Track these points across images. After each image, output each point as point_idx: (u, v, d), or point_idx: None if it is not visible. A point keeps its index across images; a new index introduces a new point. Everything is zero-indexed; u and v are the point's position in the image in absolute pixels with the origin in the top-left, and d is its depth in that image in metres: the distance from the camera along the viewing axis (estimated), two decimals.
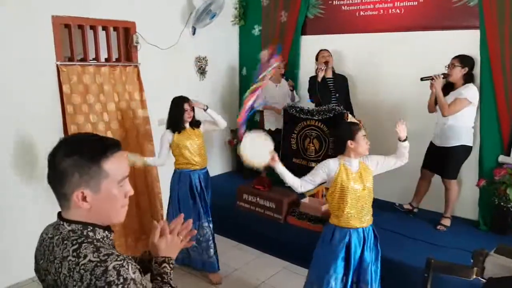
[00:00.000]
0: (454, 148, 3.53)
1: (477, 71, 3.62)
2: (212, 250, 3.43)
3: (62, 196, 1.07)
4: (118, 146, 1.10)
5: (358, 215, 2.49)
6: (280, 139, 4.38)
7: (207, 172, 3.51)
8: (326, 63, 4.03)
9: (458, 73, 3.46)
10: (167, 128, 3.33)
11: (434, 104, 3.61)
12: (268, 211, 3.93)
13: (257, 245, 3.98)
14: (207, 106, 3.46)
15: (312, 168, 3.66)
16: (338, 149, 2.58)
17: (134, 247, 3.89)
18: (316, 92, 4.00)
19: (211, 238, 3.42)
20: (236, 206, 4.16)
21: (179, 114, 3.27)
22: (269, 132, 4.61)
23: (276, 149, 4.45)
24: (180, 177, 3.37)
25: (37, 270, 1.15)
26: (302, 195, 3.91)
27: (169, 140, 3.30)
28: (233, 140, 5.33)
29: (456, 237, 3.49)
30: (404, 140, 2.56)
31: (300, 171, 3.80)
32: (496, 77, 3.55)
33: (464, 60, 3.47)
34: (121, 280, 0.96)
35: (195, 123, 3.39)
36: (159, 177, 4.12)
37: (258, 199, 3.98)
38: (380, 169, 2.61)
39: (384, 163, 2.60)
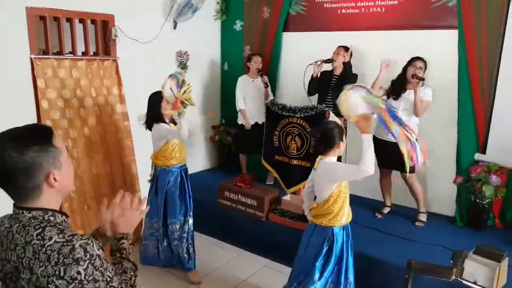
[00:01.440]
0: None
1: (454, 71, 3.69)
2: (192, 248, 3.42)
3: (30, 189, 1.10)
4: (51, 127, 1.19)
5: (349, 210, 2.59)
6: (254, 134, 4.38)
7: (186, 169, 3.49)
8: (330, 60, 3.95)
9: (422, 74, 3.54)
10: (154, 122, 3.25)
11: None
12: (249, 208, 3.91)
13: (238, 243, 3.96)
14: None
15: (294, 165, 3.72)
16: (325, 147, 2.52)
17: None
18: (312, 85, 4.00)
19: (191, 235, 3.43)
20: (217, 203, 4.13)
21: (158, 110, 3.24)
22: (242, 127, 4.60)
23: (249, 146, 4.51)
24: (170, 173, 3.34)
25: None
26: (284, 192, 3.91)
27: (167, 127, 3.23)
28: (215, 136, 5.29)
29: (433, 233, 3.56)
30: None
31: (282, 169, 3.85)
32: (473, 77, 3.63)
33: (426, 65, 3.58)
34: (88, 256, 1.04)
35: (174, 120, 3.36)
36: (138, 176, 4.04)
37: (239, 196, 3.96)
38: None
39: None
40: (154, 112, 3.27)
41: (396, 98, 3.64)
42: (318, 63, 3.92)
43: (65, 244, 1.04)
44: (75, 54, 3.66)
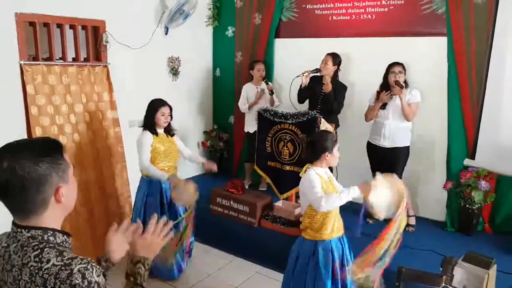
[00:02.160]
0: (404, 148, 3.67)
1: (443, 77, 3.73)
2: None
3: (38, 204, 1.05)
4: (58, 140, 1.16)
5: (338, 223, 2.52)
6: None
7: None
8: (317, 70, 3.95)
9: (403, 79, 3.58)
10: (144, 129, 3.25)
11: (377, 111, 3.68)
12: (241, 214, 3.90)
13: (230, 249, 3.95)
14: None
15: (286, 171, 3.72)
16: (311, 156, 2.51)
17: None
18: (300, 95, 4.03)
19: None
20: (210, 209, 4.11)
21: (152, 116, 3.21)
22: (248, 134, 4.60)
23: (253, 151, 4.49)
24: (150, 185, 3.30)
25: None
26: (277, 198, 3.92)
27: (150, 142, 3.21)
28: (206, 142, 5.28)
29: (424, 238, 3.58)
30: None
31: (275, 174, 3.85)
32: (462, 83, 3.68)
33: (405, 67, 3.62)
34: (86, 283, 0.98)
35: (169, 131, 3.34)
36: (129, 181, 4.02)
37: (231, 202, 3.95)
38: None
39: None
40: (148, 119, 3.24)
41: (383, 107, 3.67)
42: (305, 74, 3.93)
43: (63, 268, 0.98)
44: (66, 60, 3.63)
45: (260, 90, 4.48)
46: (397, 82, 3.52)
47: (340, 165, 4.13)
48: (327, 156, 2.44)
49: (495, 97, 3.54)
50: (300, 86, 4.00)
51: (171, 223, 1.34)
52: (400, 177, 3.71)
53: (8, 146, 1.07)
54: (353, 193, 2.34)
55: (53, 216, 1.10)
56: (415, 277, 1.77)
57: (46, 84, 3.40)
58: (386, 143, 3.69)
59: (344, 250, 2.53)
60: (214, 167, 3.49)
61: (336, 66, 4.00)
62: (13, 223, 1.09)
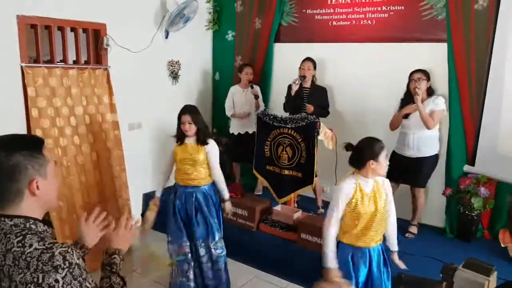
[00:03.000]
0: (430, 158, 3.65)
1: (444, 83, 3.74)
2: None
3: (14, 193, 1.12)
4: (42, 138, 1.24)
5: (368, 235, 2.35)
6: (246, 143, 4.39)
7: (204, 192, 3.15)
8: (303, 77, 4.04)
9: (425, 86, 3.56)
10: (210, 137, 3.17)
11: (400, 120, 3.67)
12: (240, 218, 3.89)
13: (229, 253, 3.89)
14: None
15: (285, 175, 3.71)
16: (356, 163, 2.36)
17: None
18: (287, 103, 4.08)
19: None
20: None
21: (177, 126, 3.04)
22: (234, 136, 4.60)
23: (242, 154, 4.49)
24: (176, 192, 3.15)
25: None
26: (275, 202, 3.91)
27: (172, 151, 3.11)
28: None
29: (424, 244, 3.57)
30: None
31: (273, 179, 3.84)
32: (462, 89, 3.68)
33: (427, 74, 3.60)
34: (67, 264, 1.04)
35: (202, 140, 3.06)
36: (128, 183, 4.01)
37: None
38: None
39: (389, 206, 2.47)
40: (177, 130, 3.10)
41: (406, 117, 3.63)
42: (297, 82, 3.98)
43: (44, 251, 1.04)
44: (66, 63, 3.64)
45: (254, 96, 4.43)
46: (414, 90, 3.50)
47: (340, 172, 4.17)
48: (372, 164, 2.28)
49: (495, 103, 3.54)
50: (290, 94, 4.03)
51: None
52: (424, 187, 3.71)
53: (4, 137, 1.16)
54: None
55: (30, 208, 1.14)
56: (415, 284, 1.77)
57: (47, 86, 3.40)
58: (410, 152, 3.66)
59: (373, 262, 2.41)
60: (228, 210, 3.28)
61: (315, 71, 4.16)
62: None
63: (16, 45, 3.23)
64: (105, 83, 3.87)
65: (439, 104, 3.54)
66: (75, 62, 3.76)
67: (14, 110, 3.27)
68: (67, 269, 1.04)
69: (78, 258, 1.07)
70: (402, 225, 3.85)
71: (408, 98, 3.63)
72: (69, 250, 1.06)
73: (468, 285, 1.59)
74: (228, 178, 4.98)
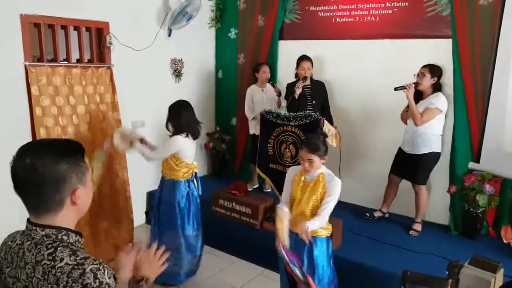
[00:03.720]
0: (425, 155, 3.62)
1: (449, 80, 3.71)
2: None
3: (55, 202, 1.07)
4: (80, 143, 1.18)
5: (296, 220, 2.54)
6: None
7: (171, 182, 3.33)
8: (305, 78, 4.03)
9: (428, 82, 3.54)
10: (181, 132, 3.13)
11: (408, 115, 3.66)
12: (244, 216, 3.89)
13: (233, 250, 3.94)
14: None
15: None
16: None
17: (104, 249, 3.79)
18: (292, 105, 4.04)
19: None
20: (212, 211, 4.10)
21: (194, 117, 3.20)
22: (253, 137, 4.59)
23: (255, 153, 4.48)
24: (188, 186, 3.32)
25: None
26: (279, 200, 3.90)
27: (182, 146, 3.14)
28: (209, 144, 5.27)
29: (428, 242, 3.56)
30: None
31: (277, 177, 3.83)
32: (467, 86, 3.65)
33: (433, 70, 3.55)
34: (97, 283, 0.99)
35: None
36: (129, 181, 4.02)
37: (234, 204, 3.94)
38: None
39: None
40: (190, 121, 3.24)
41: (407, 109, 3.63)
42: (300, 86, 3.98)
43: (75, 267, 1.00)
44: (70, 61, 3.64)
45: (277, 93, 4.42)
46: (415, 84, 3.50)
47: (344, 170, 4.16)
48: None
49: (500, 99, 3.52)
50: (294, 97, 4.01)
51: (167, 254, 1.43)
52: (423, 184, 3.70)
53: (32, 143, 1.12)
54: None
55: (67, 217, 1.11)
56: (420, 281, 1.76)
57: (50, 85, 3.41)
58: (406, 148, 3.69)
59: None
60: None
61: (312, 68, 4.16)
62: (28, 220, 1.11)
63: (19, 44, 3.23)
64: (108, 82, 3.87)
65: (433, 103, 3.50)
66: (78, 61, 3.76)
67: (18, 109, 3.28)
68: None
69: (109, 277, 1.03)
70: (406, 223, 3.85)
71: (416, 91, 3.59)
72: (101, 267, 1.02)
73: (474, 283, 1.58)
74: (236, 176, 5.03)
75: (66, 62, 3.62)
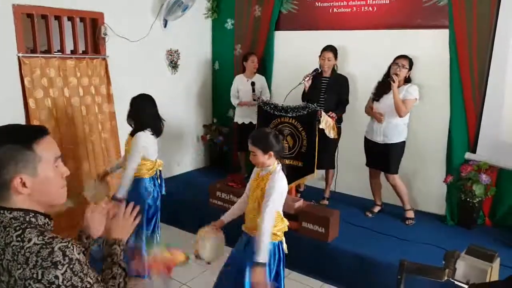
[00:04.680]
0: (398, 144, 3.65)
1: (446, 70, 3.71)
2: None
3: (0, 186, 1.08)
4: (45, 131, 1.15)
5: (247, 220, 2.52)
6: (249, 133, 4.34)
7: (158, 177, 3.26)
8: (316, 70, 3.92)
9: (404, 73, 3.53)
10: (144, 128, 2.95)
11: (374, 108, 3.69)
12: None
13: (229, 243, 3.89)
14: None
15: (286, 165, 3.67)
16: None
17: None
18: (304, 96, 3.98)
19: None
20: (209, 203, 4.10)
21: (157, 113, 2.99)
22: (239, 125, 4.58)
23: (245, 143, 4.46)
24: (154, 183, 3.15)
25: None
26: None
27: (146, 144, 2.94)
28: (206, 136, 5.26)
29: (424, 232, 3.58)
30: None
31: None
32: (463, 76, 3.65)
33: (411, 62, 3.57)
34: (67, 260, 1.01)
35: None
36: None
37: (231, 196, 3.94)
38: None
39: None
40: (152, 116, 3.07)
41: (377, 100, 3.64)
42: (306, 79, 3.89)
43: (44, 246, 1.01)
44: (64, 53, 3.60)
45: (254, 95, 4.37)
46: (393, 76, 3.47)
47: (342, 161, 4.16)
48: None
49: (497, 90, 3.52)
50: (304, 90, 3.96)
51: (137, 208, 1.43)
52: (395, 173, 3.70)
53: (0, 127, 1.13)
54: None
55: (24, 203, 1.10)
56: (417, 270, 1.76)
57: (44, 77, 3.37)
58: (378, 138, 3.68)
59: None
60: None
61: (336, 61, 3.99)
62: None
63: (12, 35, 3.19)
64: (102, 73, 3.83)
65: (412, 93, 3.51)
66: (72, 52, 3.72)
67: (12, 101, 3.25)
68: (67, 265, 1.01)
69: (78, 253, 1.04)
70: (402, 213, 3.87)
71: (386, 81, 3.59)
72: (69, 245, 1.03)
73: (471, 272, 1.58)
74: (233, 167, 5.03)
75: (60, 53, 3.58)
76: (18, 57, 3.21)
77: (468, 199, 3.60)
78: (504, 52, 3.44)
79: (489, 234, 3.52)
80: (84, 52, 3.80)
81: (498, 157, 3.53)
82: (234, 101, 4.56)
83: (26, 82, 3.24)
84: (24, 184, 1.08)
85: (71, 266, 1.01)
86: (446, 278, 1.68)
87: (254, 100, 4.30)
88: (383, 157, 3.68)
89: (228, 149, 5.25)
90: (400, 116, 3.52)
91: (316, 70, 3.93)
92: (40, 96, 3.34)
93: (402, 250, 3.21)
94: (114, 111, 3.90)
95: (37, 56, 3.33)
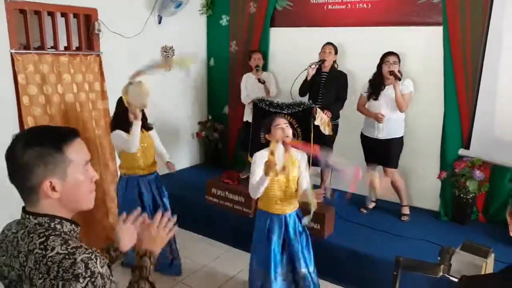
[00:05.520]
0: (399, 139, 3.70)
1: (439, 67, 3.72)
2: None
3: (29, 190, 1.04)
4: (75, 133, 1.11)
5: (280, 202, 2.61)
6: None
7: (157, 176, 3.27)
8: (322, 61, 3.93)
9: (397, 69, 3.55)
10: (114, 128, 2.97)
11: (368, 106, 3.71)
12: (237, 205, 3.89)
13: (226, 239, 3.95)
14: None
15: None
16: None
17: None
18: (303, 88, 3.98)
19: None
20: (205, 200, 4.10)
21: (123, 114, 2.95)
22: (247, 124, 4.57)
23: (247, 141, 4.46)
24: (127, 183, 3.11)
25: None
26: None
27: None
28: (201, 132, 5.25)
29: (419, 228, 3.61)
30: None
31: None
32: (457, 73, 3.67)
33: (399, 58, 3.59)
34: (89, 273, 0.96)
35: (146, 126, 3.11)
36: (117, 172, 3.97)
37: (227, 193, 3.94)
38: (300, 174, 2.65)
39: (302, 177, 2.64)
40: (118, 116, 3.04)
41: (376, 98, 3.65)
42: (313, 66, 3.87)
43: (66, 257, 0.97)
44: (57, 49, 3.57)
45: (263, 87, 4.35)
46: (392, 73, 3.50)
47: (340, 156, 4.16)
48: (268, 137, 2.59)
49: (490, 86, 3.55)
50: (306, 78, 3.96)
51: (175, 218, 1.35)
52: (396, 167, 3.74)
53: (26, 130, 1.13)
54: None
55: (51, 207, 1.06)
56: (413, 266, 1.78)
57: (37, 73, 3.34)
58: (380, 135, 3.68)
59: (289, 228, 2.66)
60: (173, 169, 3.34)
61: (336, 56, 4.01)
62: (23, 209, 1.09)
63: (5, 31, 3.15)
64: (96, 70, 3.80)
65: (408, 87, 3.56)
66: (66, 48, 3.69)
67: (5, 98, 3.21)
68: (88, 279, 0.96)
69: (102, 266, 0.99)
70: (397, 209, 3.90)
71: (379, 80, 3.62)
72: (92, 257, 0.99)
73: (466, 267, 1.60)
74: (228, 164, 5.02)
75: (53, 49, 3.55)
76: (11, 53, 3.18)
77: (462, 195, 3.63)
78: (497, 49, 3.47)
79: (483, 229, 3.56)
80: (78, 49, 3.76)
81: (491, 153, 3.56)
82: (245, 100, 4.48)
83: (19, 79, 3.20)
84: (53, 188, 1.04)
85: (93, 279, 0.96)
86: (441, 274, 1.69)
87: (267, 94, 4.30)
88: (384, 153, 3.69)
89: (223, 146, 5.25)
90: (402, 111, 3.57)
91: (321, 60, 3.93)
92: (34, 93, 3.31)
93: (397, 246, 3.23)
94: (108, 108, 3.87)
95: (30, 53, 3.30)
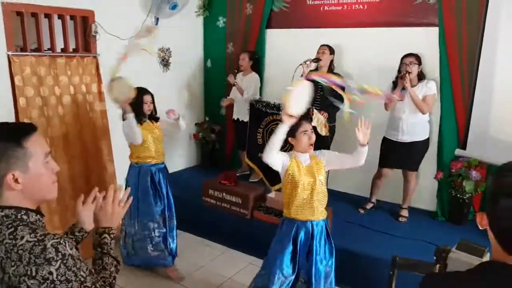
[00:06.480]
0: (424, 142, 3.68)
1: (436, 67, 3.74)
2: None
3: None
4: (34, 127, 1.16)
5: (308, 209, 2.51)
6: (241, 131, 4.35)
7: (165, 167, 3.46)
8: (316, 59, 3.92)
9: (416, 70, 3.55)
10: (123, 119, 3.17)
11: (393, 105, 3.66)
12: (234, 206, 3.90)
13: (223, 241, 3.95)
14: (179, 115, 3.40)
15: None
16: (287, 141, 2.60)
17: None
18: None
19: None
20: (202, 201, 4.10)
21: (138, 105, 3.17)
22: (237, 122, 4.58)
23: (244, 141, 4.47)
24: (140, 171, 3.29)
25: None
26: (268, 190, 3.92)
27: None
28: (198, 134, 5.25)
29: (416, 228, 3.62)
30: (364, 145, 2.46)
31: (266, 166, 3.83)
32: (453, 73, 3.69)
33: (419, 58, 3.59)
34: (60, 256, 1.03)
35: (154, 117, 3.34)
36: (115, 173, 3.98)
37: (224, 194, 3.94)
38: (333, 165, 2.61)
39: (338, 160, 2.60)
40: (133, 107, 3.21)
41: (401, 100, 3.59)
42: (308, 63, 3.87)
43: (36, 243, 1.03)
44: (54, 51, 3.56)
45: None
46: (403, 76, 3.48)
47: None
48: (291, 140, 2.53)
49: (486, 87, 3.56)
50: (301, 76, 3.96)
51: (129, 189, 1.41)
52: (416, 170, 3.73)
53: None
54: (281, 128, 2.40)
55: (16, 199, 1.12)
56: (409, 266, 1.79)
57: (34, 75, 3.34)
58: (403, 137, 3.65)
59: (315, 237, 2.53)
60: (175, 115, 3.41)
61: (332, 56, 4.01)
62: None
63: (1, 33, 3.14)
64: (93, 72, 3.80)
65: (431, 88, 3.55)
66: (63, 50, 3.69)
67: (1, 100, 3.20)
68: (60, 261, 1.03)
69: (71, 248, 1.06)
70: (394, 209, 3.91)
71: (399, 77, 3.60)
72: (61, 241, 1.05)
73: (461, 267, 1.60)
74: (225, 165, 5.02)
75: (50, 51, 3.55)
76: (8, 55, 3.17)
77: (458, 195, 3.65)
78: (492, 49, 3.49)
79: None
80: (75, 50, 3.76)
81: (487, 154, 3.57)
82: (232, 96, 4.64)
83: (16, 81, 3.20)
84: (16, 180, 1.10)
85: (65, 261, 1.03)
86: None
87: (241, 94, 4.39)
88: (405, 155, 3.67)
89: (221, 147, 5.25)
90: (423, 113, 3.54)
91: (316, 59, 3.93)
92: (31, 95, 3.30)
93: (393, 246, 3.24)
94: (105, 109, 3.87)
95: (27, 55, 3.30)
